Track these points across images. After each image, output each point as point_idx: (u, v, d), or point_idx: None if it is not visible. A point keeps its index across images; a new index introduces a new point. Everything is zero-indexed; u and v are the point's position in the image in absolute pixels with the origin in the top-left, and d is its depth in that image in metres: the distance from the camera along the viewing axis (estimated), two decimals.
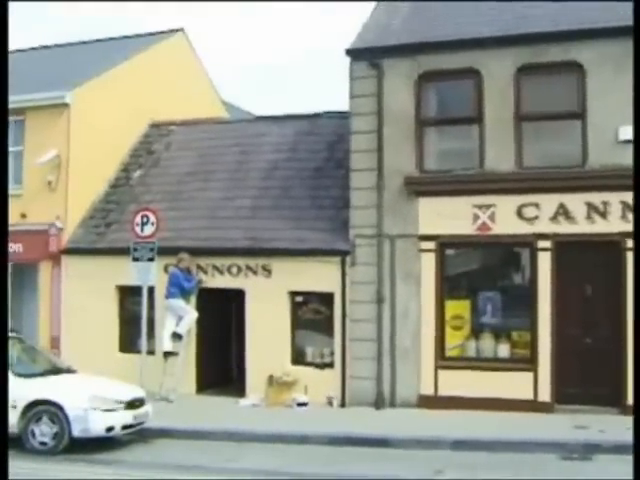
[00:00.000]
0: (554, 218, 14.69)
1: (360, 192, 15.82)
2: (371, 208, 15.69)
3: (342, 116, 17.79)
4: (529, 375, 14.69)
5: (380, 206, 15.61)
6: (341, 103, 21.41)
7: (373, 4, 17.81)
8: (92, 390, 12.75)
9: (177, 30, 22.57)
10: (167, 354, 16.66)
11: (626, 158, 14.06)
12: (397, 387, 15.51)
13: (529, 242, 14.86)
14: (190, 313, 16.81)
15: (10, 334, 13.52)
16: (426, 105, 15.65)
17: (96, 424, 12.39)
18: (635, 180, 13.56)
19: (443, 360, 15.30)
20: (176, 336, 16.68)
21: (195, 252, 16.96)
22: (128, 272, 16.25)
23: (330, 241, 16.15)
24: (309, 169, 18.04)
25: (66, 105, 18.29)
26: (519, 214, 14.87)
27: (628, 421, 12.64)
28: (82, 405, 12.38)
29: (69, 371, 13.89)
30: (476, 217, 15.09)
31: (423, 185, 15.42)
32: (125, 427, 12.82)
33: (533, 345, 14.82)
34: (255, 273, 16.62)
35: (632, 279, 13.86)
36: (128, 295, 17.68)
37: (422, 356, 15.34)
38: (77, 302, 17.96)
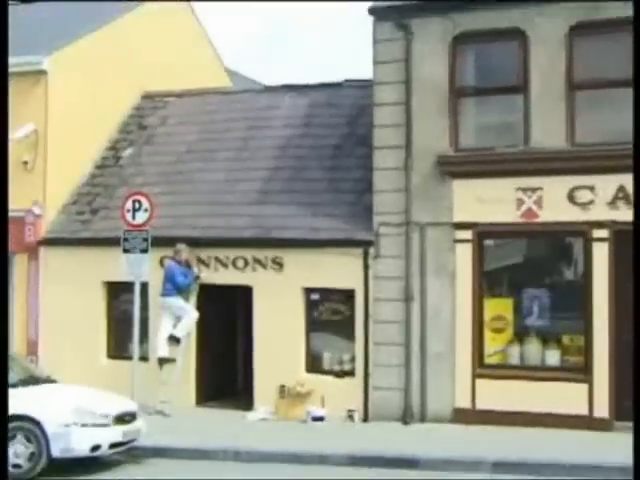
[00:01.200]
0: (612, 203, 14.51)
1: (385, 173, 15.78)
2: (398, 192, 15.65)
3: (364, 85, 17.71)
4: (583, 387, 14.54)
5: (408, 190, 15.57)
6: (363, 70, 21.15)
7: None
8: (75, 403, 12.65)
9: None
10: (163, 361, 16.65)
11: None
12: (428, 399, 15.48)
13: (582, 231, 14.71)
14: (189, 313, 16.80)
15: None
16: (462, 72, 15.54)
17: (80, 442, 12.28)
18: (635, 174, 13.84)
19: (482, 368, 15.24)
20: (173, 340, 16.68)
21: (195, 243, 16.96)
22: (117, 266, 16.26)
23: (350, 230, 16.15)
24: (326, 147, 18.02)
25: (43, 72, 18.19)
26: (571, 198, 14.71)
27: None
28: (63, 420, 12.28)
29: (48, 381, 13.81)
30: (520, 202, 14.97)
31: (458, 165, 15.34)
32: (113, 445, 12.74)
33: (588, 351, 14.67)
34: (264, 267, 16.60)
35: (633, 277, 13.82)
36: (117, 292, 17.70)
37: (457, 363, 15.31)
38: (58, 301, 17.95)
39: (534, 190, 14.84)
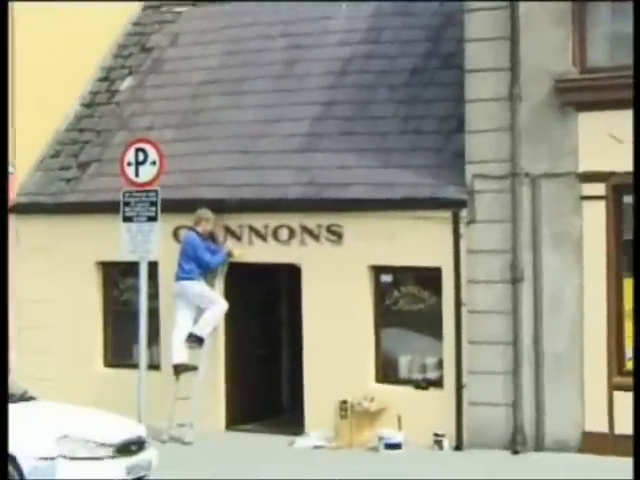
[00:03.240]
0: None
1: (482, 107, 15.79)
2: (500, 132, 15.66)
3: None
4: None
5: (515, 128, 15.54)
6: None
7: None
8: (61, 428, 12.63)
9: None
10: (180, 369, 16.80)
11: None
12: (546, 419, 15.44)
13: None
14: (216, 304, 16.92)
15: None
16: None
17: None
18: (635, 173, 14.33)
19: (622, 376, 15.12)
20: (194, 340, 16.85)
21: (222, 207, 17.09)
22: (117, 240, 16.26)
23: (435, 186, 16.15)
24: (399, 72, 17.95)
25: None
26: None
27: None
28: (45, 452, 12.26)
29: (24, 398, 13.80)
30: None
31: (586, 92, 15.22)
32: None
33: None
34: (316, 238, 16.67)
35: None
36: (117, 277, 18.01)
37: (586, 369, 15.25)
38: (36, 289, 18.13)
39: None
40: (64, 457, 12.27)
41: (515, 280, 15.49)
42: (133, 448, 13.00)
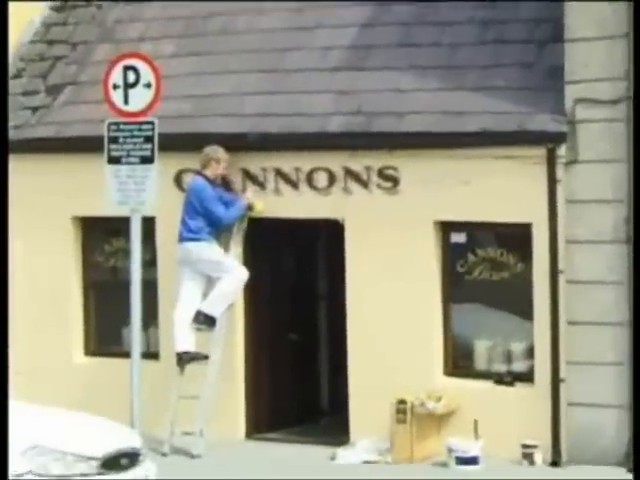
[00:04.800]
0: None
1: (587, 7, 15.64)
2: (612, 40, 15.59)
3: None
4: None
5: (632, 36, 15.38)
6: None
7: None
8: (31, 436, 12.67)
9: None
10: (185, 358, 16.96)
11: None
12: None
13: None
14: (231, 272, 17.07)
15: None
16: None
17: None
18: (635, 166, 15.11)
19: None
20: (203, 320, 17.00)
21: (239, 144, 17.20)
22: (100, 189, 16.32)
23: (522, 114, 16.18)
24: None
25: None
26: None
27: None
28: (12, 467, 12.18)
29: None
30: None
31: None
32: None
33: None
34: (365, 185, 16.76)
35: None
36: (101, 237, 18.20)
37: None
38: None
39: None
40: (34, 474, 12.26)
41: (631, 239, 15.38)
42: (124, 462, 12.96)
